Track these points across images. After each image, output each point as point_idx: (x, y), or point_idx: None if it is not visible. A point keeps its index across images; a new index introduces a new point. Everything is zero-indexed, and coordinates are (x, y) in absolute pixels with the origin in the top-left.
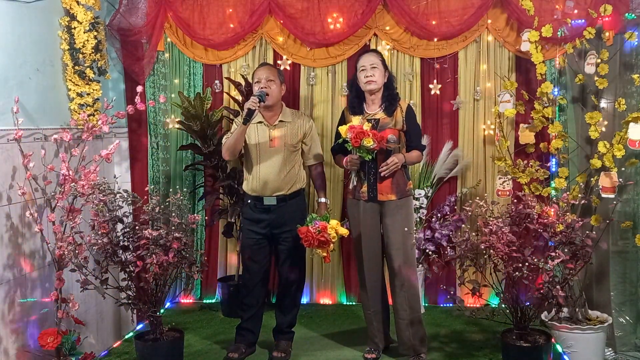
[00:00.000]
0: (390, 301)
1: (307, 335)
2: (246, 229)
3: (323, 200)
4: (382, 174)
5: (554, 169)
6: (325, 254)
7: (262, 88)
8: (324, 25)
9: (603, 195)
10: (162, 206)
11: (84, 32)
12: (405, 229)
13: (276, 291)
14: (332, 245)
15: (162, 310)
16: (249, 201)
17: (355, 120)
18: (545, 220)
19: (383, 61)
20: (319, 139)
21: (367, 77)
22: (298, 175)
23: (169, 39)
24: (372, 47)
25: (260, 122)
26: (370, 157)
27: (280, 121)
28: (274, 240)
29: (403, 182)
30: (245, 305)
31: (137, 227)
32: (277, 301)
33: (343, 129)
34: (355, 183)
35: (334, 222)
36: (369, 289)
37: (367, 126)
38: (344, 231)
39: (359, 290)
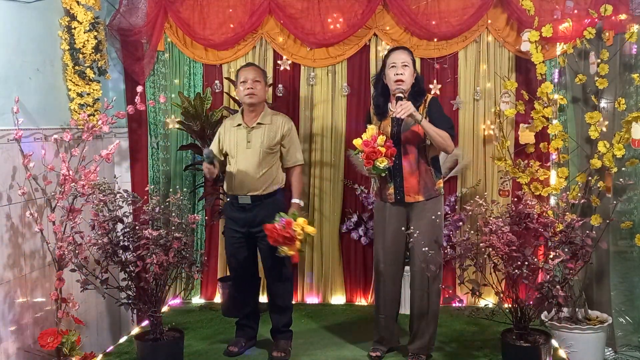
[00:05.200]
0: (404, 301)
1: (307, 335)
2: (227, 227)
3: (296, 201)
4: (398, 115)
5: (553, 169)
6: (292, 252)
7: (248, 88)
8: (324, 25)
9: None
10: (162, 206)
11: (84, 32)
12: (423, 245)
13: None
14: (298, 242)
15: (162, 310)
16: (227, 199)
17: (370, 130)
18: (545, 220)
19: (414, 61)
20: (320, 139)
21: (397, 74)
22: (276, 177)
23: (169, 39)
24: (372, 47)
25: (239, 125)
26: (384, 174)
27: (259, 123)
28: (253, 239)
29: (431, 181)
30: (239, 302)
31: (137, 227)
32: (268, 302)
33: (358, 143)
34: (379, 184)
35: (300, 220)
36: (387, 294)
37: (381, 139)
38: (311, 229)
39: (375, 294)
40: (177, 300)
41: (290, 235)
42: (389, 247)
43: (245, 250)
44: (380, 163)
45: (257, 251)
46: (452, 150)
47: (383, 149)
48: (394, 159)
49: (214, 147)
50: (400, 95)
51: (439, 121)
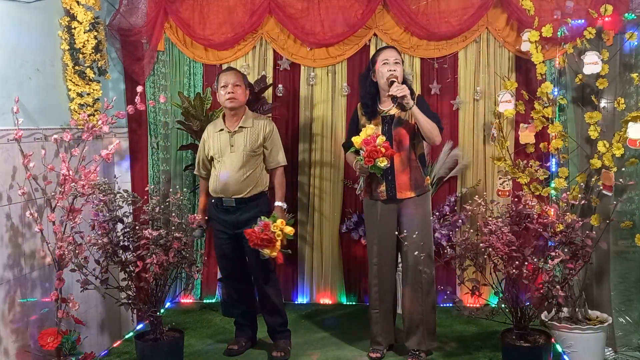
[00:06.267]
0: (400, 298)
1: (307, 335)
2: (214, 229)
3: (279, 204)
4: (394, 93)
5: (554, 169)
6: (274, 254)
7: (229, 92)
8: (324, 25)
9: (604, 192)
10: (162, 206)
11: (84, 32)
12: (416, 233)
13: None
14: (278, 243)
15: (162, 310)
16: (212, 201)
17: (370, 130)
18: (545, 220)
19: (402, 60)
20: (320, 139)
21: (390, 71)
22: (260, 179)
23: (169, 39)
24: (372, 47)
25: (221, 130)
26: (381, 173)
27: (240, 127)
28: (239, 240)
29: (421, 178)
30: (234, 301)
31: (137, 227)
32: (259, 303)
33: (357, 140)
34: (370, 182)
35: (279, 221)
36: (381, 290)
37: (380, 139)
38: (289, 229)
39: (369, 290)
40: (177, 300)
41: (269, 237)
42: (382, 244)
43: (232, 251)
44: (380, 163)
45: (242, 250)
46: (439, 141)
47: (383, 149)
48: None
49: (200, 154)
50: (394, 80)
51: (427, 115)
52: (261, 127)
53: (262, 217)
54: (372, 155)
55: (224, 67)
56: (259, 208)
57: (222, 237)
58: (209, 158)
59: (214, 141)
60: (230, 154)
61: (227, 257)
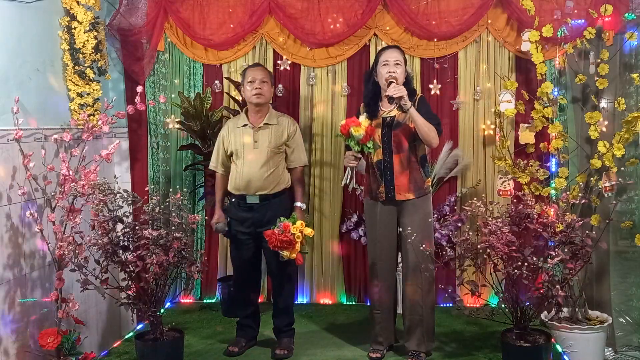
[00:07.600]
0: (400, 299)
1: (308, 335)
2: (232, 228)
3: (298, 204)
4: (390, 94)
5: (554, 169)
6: (293, 255)
7: (256, 88)
8: (324, 25)
9: (606, 194)
10: (162, 206)
11: (84, 32)
12: (415, 235)
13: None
14: (297, 245)
15: (162, 310)
16: (233, 200)
17: (364, 122)
18: (545, 220)
19: (405, 60)
20: (320, 139)
21: (389, 72)
22: (282, 176)
23: (169, 39)
24: (372, 47)
25: (245, 125)
26: (357, 149)
27: (265, 124)
28: (259, 239)
29: (420, 179)
30: (240, 302)
31: (137, 227)
32: (273, 302)
33: (343, 122)
34: (369, 183)
35: (299, 223)
36: (381, 290)
37: (365, 121)
38: (308, 231)
39: (370, 291)
40: (177, 300)
41: (289, 239)
42: (382, 244)
43: (250, 251)
44: (355, 132)
45: (261, 251)
46: (436, 143)
47: (363, 126)
48: (380, 150)
49: (218, 150)
50: (393, 80)
51: (427, 117)
52: (285, 125)
53: (282, 219)
54: (348, 124)
55: (224, 67)
56: (282, 206)
57: (242, 237)
58: (229, 154)
59: (235, 136)
60: (254, 150)
61: (242, 257)
